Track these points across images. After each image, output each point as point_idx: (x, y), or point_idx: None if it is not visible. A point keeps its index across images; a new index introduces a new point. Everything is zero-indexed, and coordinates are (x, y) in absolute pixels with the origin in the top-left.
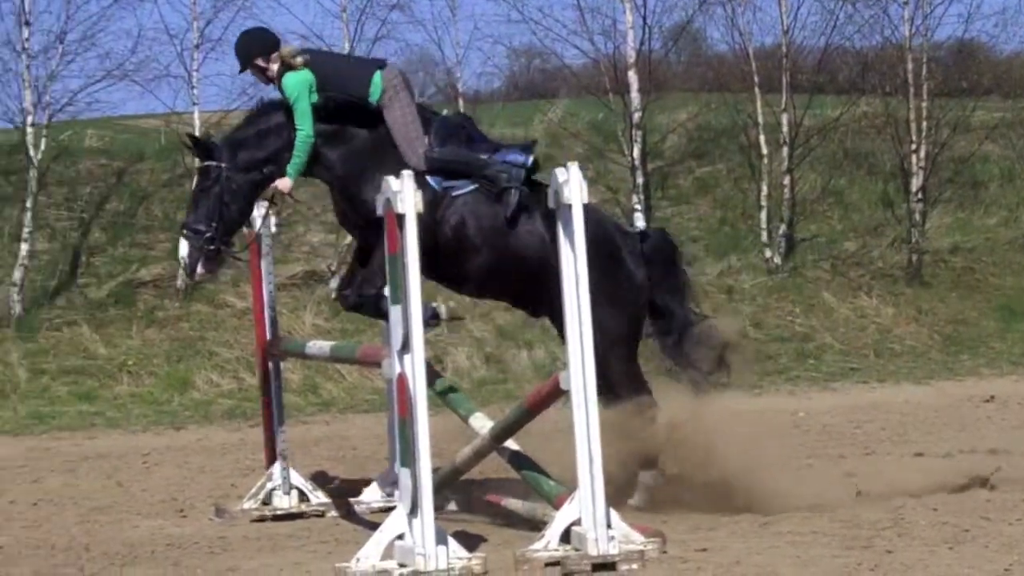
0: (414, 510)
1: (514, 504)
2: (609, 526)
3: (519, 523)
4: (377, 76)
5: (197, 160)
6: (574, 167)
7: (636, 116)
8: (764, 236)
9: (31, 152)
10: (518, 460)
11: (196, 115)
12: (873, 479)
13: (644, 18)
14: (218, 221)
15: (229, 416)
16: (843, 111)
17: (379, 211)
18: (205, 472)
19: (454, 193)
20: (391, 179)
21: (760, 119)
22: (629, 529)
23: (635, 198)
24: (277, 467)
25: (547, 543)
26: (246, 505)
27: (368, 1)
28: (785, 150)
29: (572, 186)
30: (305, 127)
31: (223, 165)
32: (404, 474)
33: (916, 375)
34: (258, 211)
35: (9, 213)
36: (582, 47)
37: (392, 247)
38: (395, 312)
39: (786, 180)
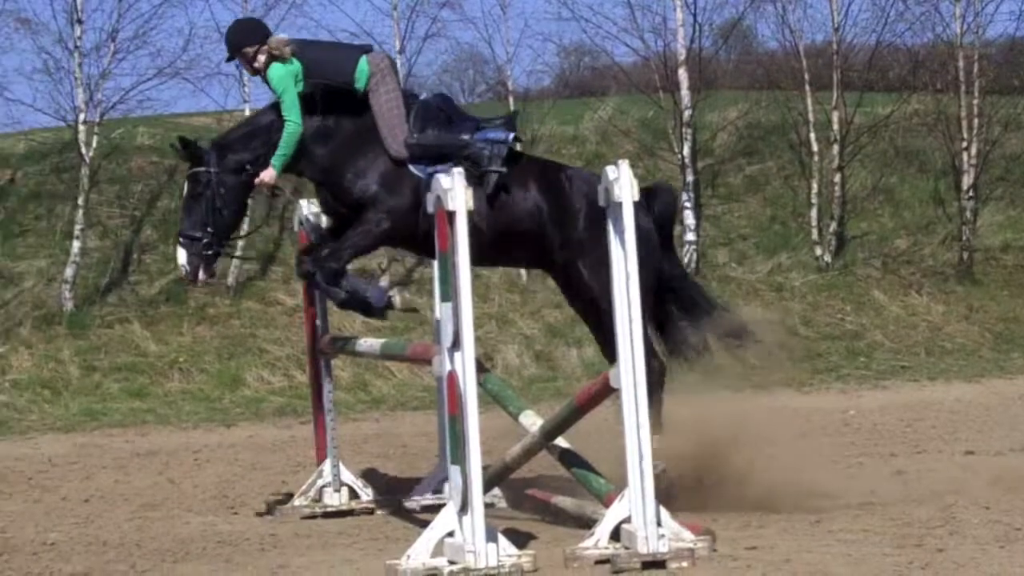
0: (464, 507)
1: (563, 502)
2: (659, 524)
3: (568, 521)
4: (363, 61)
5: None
6: (624, 165)
7: (686, 114)
8: (814, 234)
9: (83, 150)
10: (568, 458)
11: (247, 113)
12: (923, 477)
13: (694, 15)
14: (212, 226)
15: (279, 413)
16: (894, 108)
17: (429, 208)
18: (256, 469)
19: None
20: (441, 176)
21: (811, 116)
22: (679, 527)
23: (685, 196)
24: (327, 464)
25: (597, 541)
26: (297, 502)
27: None
28: (836, 147)
29: (622, 184)
30: (293, 117)
31: (212, 170)
32: (454, 471)
33: (967, 373)
34: (307, 209)
35: (61, 210)
36: (632, 45)
37: (443, 245)
38: (445, 309)
39: (836, 178)
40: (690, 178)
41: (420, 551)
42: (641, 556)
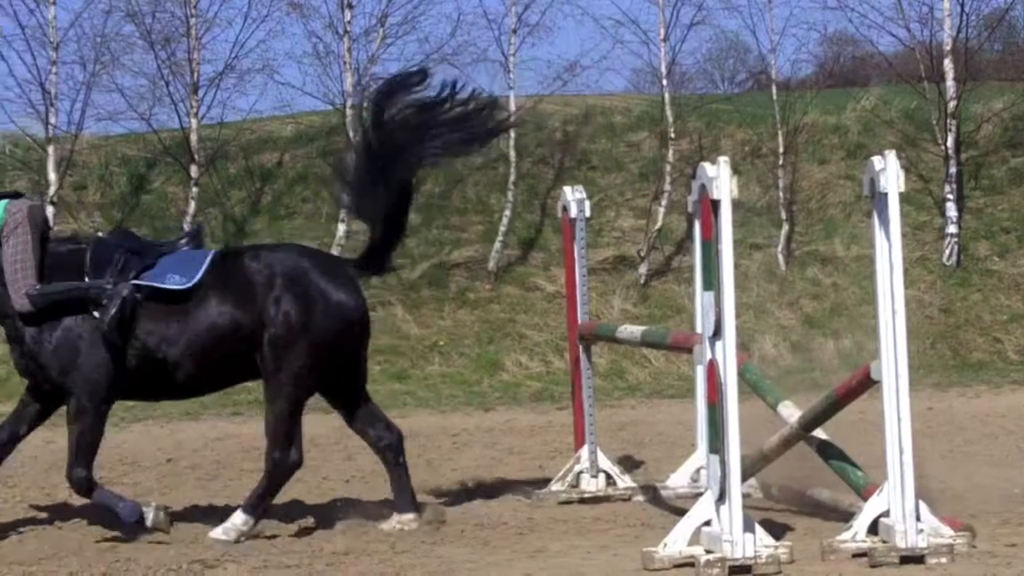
0: (722, 497)
1: (820, 494)
2: (918, 519)
3: (825, 513)
4: (1, 208)
5: None
6: (892, 156)
7: (951, 105)
8: None
9: (350, 134)
10: (826, 450)
11: (512, 99)
12: None
13: (962, 5)
14: None
15: (536, 398)
16: None
17: (693, 196)
18: (513, 453)
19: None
20: (706, 165)
21: None
22: (939, 522)
23: (947, 188)
24: (585, 450)
25: (854, 534)
26: (554, 487)
27: None
28: None
29: (889, 175)
30: None
31: None
32: (713, 461)
33: None
34: (571, 195)
35: (327, 194)
36: (898, 34)
37: (707, 233)
38: (707, 297)
39: None
40: (953, 170)
41: (677, 539)
42: (899, 551)
